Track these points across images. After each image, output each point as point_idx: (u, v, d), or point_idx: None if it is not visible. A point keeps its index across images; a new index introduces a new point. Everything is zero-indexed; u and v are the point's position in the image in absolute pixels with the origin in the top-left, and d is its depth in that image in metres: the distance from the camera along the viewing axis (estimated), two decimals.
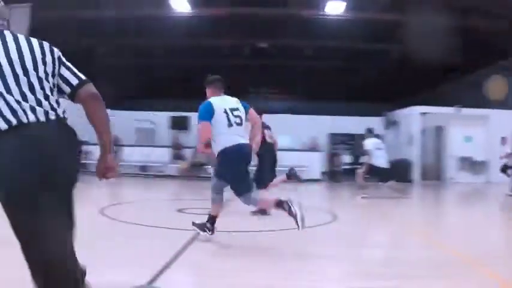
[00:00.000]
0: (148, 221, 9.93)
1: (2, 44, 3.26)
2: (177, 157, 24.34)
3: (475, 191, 22.33)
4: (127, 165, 24.77)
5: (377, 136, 18.38)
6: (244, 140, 7.79)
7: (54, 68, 3.43)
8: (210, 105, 7.70)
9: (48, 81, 3.34)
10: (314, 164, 24.46)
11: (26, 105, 3.11)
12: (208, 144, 7.63)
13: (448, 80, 27.36)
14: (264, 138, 10.35)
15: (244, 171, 7.76)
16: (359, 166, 19.51)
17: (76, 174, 3.33)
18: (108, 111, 3.87)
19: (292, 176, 12.37)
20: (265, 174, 11.77)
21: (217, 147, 7.69)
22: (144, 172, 24.76)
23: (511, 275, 6.27)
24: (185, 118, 30.44)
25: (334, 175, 25.83)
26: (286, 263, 6.69)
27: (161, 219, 10.73)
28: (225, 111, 7.64)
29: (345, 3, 22.05)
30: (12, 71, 3.14)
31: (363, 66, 29.68)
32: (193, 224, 8.15)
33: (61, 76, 3.53)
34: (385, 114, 29.57)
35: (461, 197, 20.74)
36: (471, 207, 16.54)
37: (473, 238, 9.19)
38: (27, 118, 3.08)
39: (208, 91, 8.27)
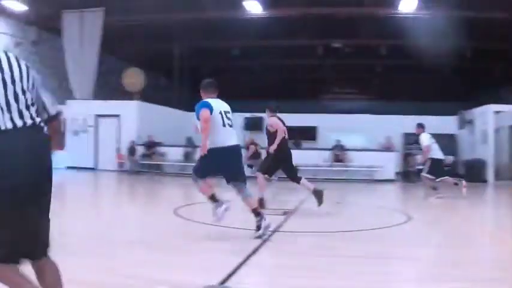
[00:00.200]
0: (222, 221, 9.98)
1: None
2: (253, 158, 24.43)
3: None
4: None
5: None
6: (235, 141, 8.56)
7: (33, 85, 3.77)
8: (208, 103, 8.36)
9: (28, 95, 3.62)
10: (388, 164, 24.20)
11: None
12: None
13: None
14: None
15: (228, 166, 8.52)
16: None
17: (39, 175, 3.47)
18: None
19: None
20: (292, 169, 12.42)
21: (211, 145, 8.19)
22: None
23: None
24: (259, 119, 30.50)
25: (408, 175, 25.50)
26: (359, 263, 6.62)
27: (234, 219, 10.79)
28: (220, 113, 8.34)
29: (416, 1, 21.84)
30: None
31: (438, 65, 29.21)
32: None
33: (39, 98, 3.83)
34: (460, 113, 29.05)
35: None
36: None
37: None
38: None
39: (202, 94, 8.83)
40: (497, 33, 24.89)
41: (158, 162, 26.25)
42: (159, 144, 26.39)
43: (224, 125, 8.32)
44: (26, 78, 3.67)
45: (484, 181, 23.83)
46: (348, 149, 24.70)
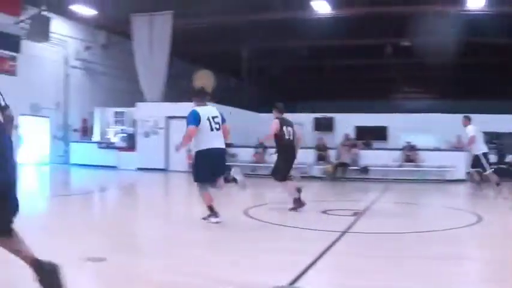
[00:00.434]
0: (292, 222, 10.07)
1: None
2: (321, 158, 24.46)
3: None
4: (271, 167, 25.17)
5: None
6: (220, 143, 9.74)
7: None
8: (197, 113, 9.57)
9: None
10: (459, 164, 23.86)
11: None
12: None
13: None
14: (282, 135, 12.09)
15: (215, 166, 9.71)
16: (504, 166, 18.89)
17: None
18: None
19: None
20: (282, 167, 12.59)
21: (197, 147, 9.67)
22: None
23: None
24: (330, 119, 30.50)
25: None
26: (428, 264, 6.56)
27: (305, 220, 10.88)
28: (208, 119, 9.55)
29: None
30: None
31: (504, 63, 28.73)
32: (202, 219, 9.90)
33: None
34: None
35: None
36: None
37: None
38: None
39: (194, 100, 10.09)
40: None
41: (229, 163, 26.43)
42: (230, 145, 26.59)
43: (212, 129, 9.57)
44: None
45: None
46: (419, 149, 24.46)
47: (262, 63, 35.28)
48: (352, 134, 27.00)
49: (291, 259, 6.70)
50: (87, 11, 28.86)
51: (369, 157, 24.31)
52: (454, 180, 22.42)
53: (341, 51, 32.94)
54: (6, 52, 27.77)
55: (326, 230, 8.96)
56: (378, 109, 31.49)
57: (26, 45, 28.40)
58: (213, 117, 9.66)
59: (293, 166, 13.07)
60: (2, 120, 4.63)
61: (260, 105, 33.28)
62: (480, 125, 17.01)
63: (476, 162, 16.18)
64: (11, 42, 27.80)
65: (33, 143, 29.81)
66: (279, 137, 12.15)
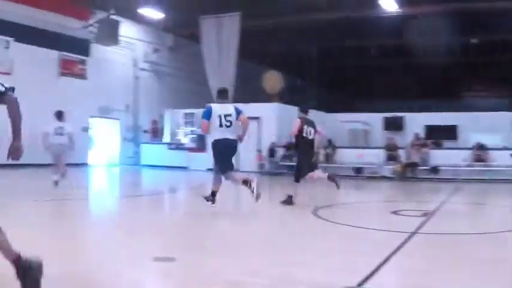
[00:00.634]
0: (361, 222, 10.02)
1: None
2: (391, 158, 24.28)
3: None
4: (341, 167, 25.15)
5: None
6: (231, 136, 10.94)
7: None
8: (210, 109, 10.93)
9: None
10: None
11: None
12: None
13: None
14: (300, 133, 12.96)
15: (226, 156, 11.14)
16: None
17: None
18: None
19: (332, 179, 13.50)
20: (302, 165, 13.32)
21: (210, 139, 11.19)
22: (358, 174, 24.90)
23: None
24: (399, 118, 30.24)
25: None
26: (500, 266, 6.50)
27: (374, 221, 10.88)
28: (219, 116, 10.78)
29: None
30: None
31: None
32: (202, 196, 11.57)
33: None
34: None
35: None
36: None
37: None
38: None
39: (216, 98, 11.81)
40: None
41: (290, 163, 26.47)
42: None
43: (221, 126, 10.82)
44: None
45: None
46: (490, 148, 24.03)
47: (330, 63, 35.23)
48: (422, 133, 26.67)
49: (360, 260, 6.69)
50: (155, 14, 29.39)
51: (439, 157, 24.00)
52: None
53: (409, 50, 32.62)
54: (76, 56, 28.47)
55: (395, 231, 8.92)
56: (447, 108, 31.05)
57: (95, 48, 29.06)
58: (226, 116, 10.89)
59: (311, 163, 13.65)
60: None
61: (328, 105, 33.25)
62: None
63: None
64: (81, 46, 28.57)
65: (103, 144, 30.49)
66: (298, 135, 13.00)
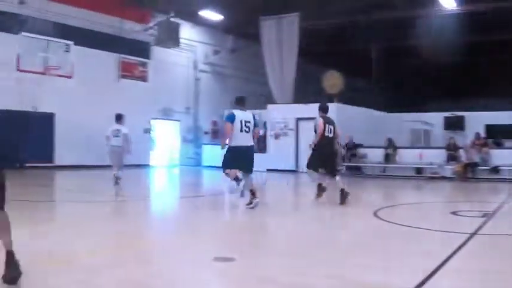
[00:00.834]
0: (421, 223, 9.96)
1: None
2: (452, 158, 24.05)
3: None
4: (402, 167, 25.06)
5: None
6: (248, 142, 12.05)
7: None
8: (233, 115, 11.93)
9: None
10: None
11: None
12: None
13: None
14: (323, 132, 13.34)
15: (239, 160, 12.04)
16: None
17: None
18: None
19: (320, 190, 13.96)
20: (312, 159, 13.89)
21: (230, 143, 11.97)
22: (419, 174, 24.75)
23: None
24: (460, 118, 29.92)
25: None
26: None
27: (434, 222, 10.86)
28: (241, 122, 11.82)
29: None
30: None
31: None
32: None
33: None
34: None
35: None
36: None
37: None
38: None
39: (235, 105, 12.43)
40: None
41: (358, 164, 26.42)
42: (360, 146, 26.55)
43: (241, 131, 11.83)
44: None
45: None
46: None
47: (390, 62, 35.02)
48: (483, 133, 26.31)
49: (419, 261, 6.70)
50: (215, 16, 29.70)
51: (500, 156, 23.67)
52: None
53: (468, 48, 32.27)
54: (137, 58, 28.96)
55: (455, 232, 8.91)
56: (508, 107, 30.54)
57: (156, 51, 29.49)
58: (246, 122, 11.94)
59: (335, 161, 14.48)
60: None
61: (388, 105, 33.09)
62: None
63: None
64: (141, 49, 29.07)
65: (164, 146, 30.92)
66: (321, 133, 13.37)
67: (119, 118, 17.15)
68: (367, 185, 21.84)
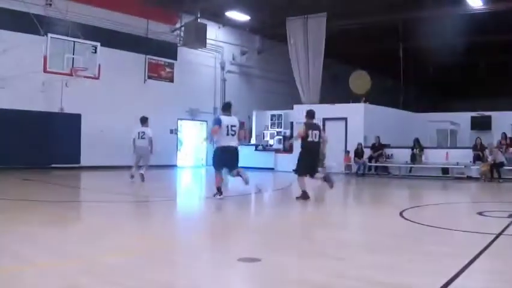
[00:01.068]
0: (446, 224, 9.88)
1: None
2: (478, 158, 23.95)
3: None
4: (428, 168, 25.01)
5: None
6: (234, 143, 13.65)
7: None
8: (220, 119, 13.67)
9: None
10: None
11: None
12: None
13: None
14: (305, 137, 14.13)
15: (225, 161, 13.67)
16: None
17: None
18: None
19: (326, 179, 14.56)
20: (302, 166, 14.34)
21: (216, 144, 13.69)
22: (445, 174, 24.69)
23: None
24: (487, 118, 29.75)
25: None
26: None
27: (459, 222, 10.86)
28: (227, 126, 13.48)
29: None
30: None
31: None
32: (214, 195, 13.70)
33: None
34: None
35: None
36: None
37: None
38: None
39: (222, 111, 14.41)
40: None
41: (385, 164, 26.38)
42: (387, 146, 26.51)
43: (227, 134, 13.47)
44: None
45: None
46: None
47: (418, 62, 34.92)
48: (510, 133, 26.14)
49: (445, 262, 6.69)
50: (242, 17, 29.83)
51: None
52: None
53: (496, 47, 32.10)
54: (164, 59, 29.18)
55: (480, 232, 8.89)
56: None
57: (183, 52, 29.68)
58: (232, 126, 13.61)
59: (317, 163, 15.30)
60: None
61: (417, 105, 33.01)
62: None
63: None
64: (168, 50, 29.29)
65: (191, 146, 31.11)
66: (304, 138, 14.18)
67: (143, 121, 18.72)
68: (394, 185, 21.82)
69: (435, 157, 25.20)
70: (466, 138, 28.63)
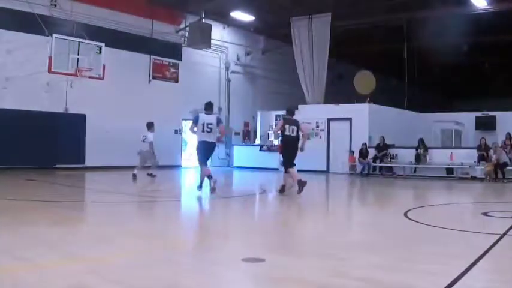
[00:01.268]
0: (451, 224, 9.84)
1: None
2: (483, 158, 23.92)
3: None
4: (433, 168, 24.97)
5: None
6: (209, 139, 14.83)
7: None
8: (197, 117, 14.95)
9: None
10: None
11: None
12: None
13: None
14: (283, 131, 15.36)
15: (204, 153, 15.03)
16: None
17: None
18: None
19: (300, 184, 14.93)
20: (285, 159, 15.57)
21: (198, 139, 14.89)
22: (450, 174, 24.66)
23: None
24: (492, 118, 29.71)
25: None
26: None
27: (464, 222, 10.85)
28: (203, 124, 14.75)
29: None
30: None
31: None
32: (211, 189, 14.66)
33: None
34: None
35: None
36: None
37: None
38: None
39: (204, 110, 15.27)
40: None
41: (390, 165, 26.34)
42: (391, 146, 26.48)
43: (203, 131, 14.74)
44: None
45: None
46: None
47: (423, 62, 34.88)
48: None
49: (449, 262, 6.67)
50: (246, 17, 29.84)
51: None
52: None
53: (501, 47, 32.05)
54: (168, 60, 29.21)
55: (485, 233, 8.92)
56: None
57: (187, 52, 29.70)
58: (208, 124, 14.80)
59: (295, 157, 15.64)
60: None
61: (421, 105, 32.97)
62: None
63: None
64: (173, 50, 29.32)
65: (195, 147, 31.10)
66: (282, 133, 15.37)
67: (149, 126, 20.03)
68: (398, 186, 21.81)
69: (440, 157, 25.16)
70: (471, 139, 28.60)
